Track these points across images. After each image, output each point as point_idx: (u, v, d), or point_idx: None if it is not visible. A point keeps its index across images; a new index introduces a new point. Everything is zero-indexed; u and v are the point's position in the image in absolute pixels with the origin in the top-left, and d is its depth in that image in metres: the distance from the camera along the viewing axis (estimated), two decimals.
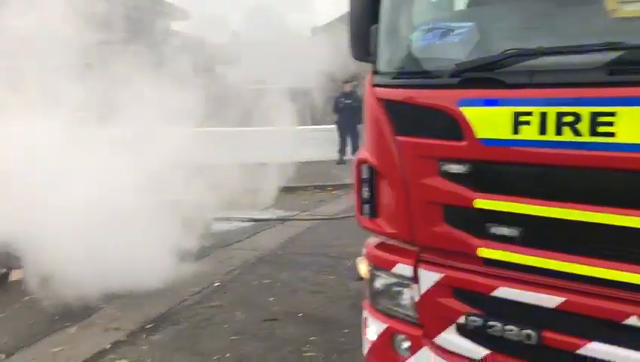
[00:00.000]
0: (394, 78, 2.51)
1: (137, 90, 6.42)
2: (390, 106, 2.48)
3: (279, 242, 7.46)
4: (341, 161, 13.98)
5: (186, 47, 8.36)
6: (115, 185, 5.70)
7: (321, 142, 13.96)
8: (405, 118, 2.43)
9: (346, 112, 13.96)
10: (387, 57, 2.58)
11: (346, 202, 10.32)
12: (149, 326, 4.70)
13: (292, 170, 10.15)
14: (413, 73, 2.45)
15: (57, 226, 5.10)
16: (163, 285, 5.50)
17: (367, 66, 2.72)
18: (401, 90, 2.45)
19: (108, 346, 4.34)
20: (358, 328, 4.40)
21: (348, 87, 14.15)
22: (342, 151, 14.13)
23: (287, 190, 10.21)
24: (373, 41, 2.62)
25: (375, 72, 2.60)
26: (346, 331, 4.45)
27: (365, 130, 2.66)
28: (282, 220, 8.86)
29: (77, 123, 5.90)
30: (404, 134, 2.42)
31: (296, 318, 4.80)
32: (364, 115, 2.66)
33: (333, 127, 14.27)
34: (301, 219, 8.94)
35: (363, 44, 2.68)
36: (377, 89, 2.54)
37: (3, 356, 4.25)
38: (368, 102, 2.60)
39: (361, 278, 5.51)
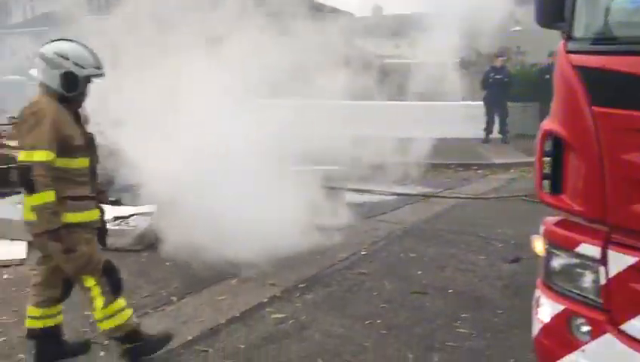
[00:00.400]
0: (593, 44, 2.33)
1: (290, 65, 6.63)
2: (587, 74, 2.30)
3: (424, 217, 7.40)
4: (487, 140, 13.40)
5: (335, 21, 8.44)
6: (272, 155, 6.00)
7: (467, 119, 13.48)
8: (606, 87, 2.24)
9: (494, 88, 13.21)
10: (585, 22, 2.39)
11: (492, 182, 9.96)
12: (301, 285, 4.91)
13: (436, 147, 9.97)
14: (617, 38, 2.26)
15: (221, 189, 5.47)
16: (312, 249, 5.71)
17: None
18: (602, 57, 2.26)
19: (265, 300, 4.60)
20: (513, 310, 4.31)
21: (499, 62, 13.38)
22: (488, 129, 13.48)
23: (430, 166, 10.03)
24: (568, 5, 2.44)
25: (569, 38, 2.43)
26: (500, 312, 4.31)
27: (554, 98, 2.50)
28: (425, 196, 8.75)
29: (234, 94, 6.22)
30: (604, 105, 2.23)
31: (445, 293, 4.74)
32: (553, 83, 2.50)
33: (481, 103, 13.62)
34: (445, 196, 8.77)
35: (554, 9, 2.51)
36: (573, 55, 2.37)
37: (175, 298, 4.69)
38: (560, 69, 2.44)
39: (516, 260, 5.38)
